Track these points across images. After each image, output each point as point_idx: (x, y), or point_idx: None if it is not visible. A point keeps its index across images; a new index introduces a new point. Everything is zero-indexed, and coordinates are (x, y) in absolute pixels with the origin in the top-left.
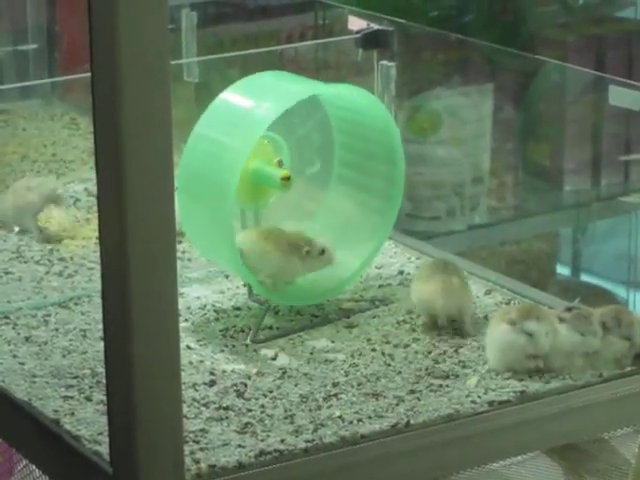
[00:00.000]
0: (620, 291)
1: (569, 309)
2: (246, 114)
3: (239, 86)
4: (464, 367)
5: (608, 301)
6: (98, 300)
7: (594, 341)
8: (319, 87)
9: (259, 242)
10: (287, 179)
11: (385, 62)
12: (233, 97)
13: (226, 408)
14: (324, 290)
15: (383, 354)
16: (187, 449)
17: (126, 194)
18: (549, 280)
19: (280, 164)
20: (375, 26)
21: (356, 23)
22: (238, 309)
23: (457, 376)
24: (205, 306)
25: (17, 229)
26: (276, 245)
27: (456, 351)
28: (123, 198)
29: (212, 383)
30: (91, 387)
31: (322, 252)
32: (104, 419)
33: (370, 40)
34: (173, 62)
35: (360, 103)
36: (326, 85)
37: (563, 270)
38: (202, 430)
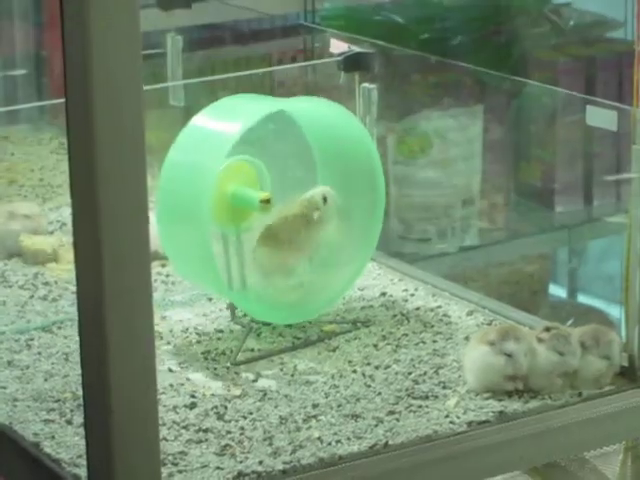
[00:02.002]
0: (613, 311)
1: (547, 329)
2: (214, 134)
3: (209, 109)
4: (444, 388)
5: (600, 321)
6: None
7: (573, 361)
8: (284, 103)
9: (272, 253)
10: (267, 201)
11: (366, 85)
12: (203, 120)
13: (206, 430)
14: (306, 311)
15: (364, 375)
16: (165, 471)
17: (101, 219)
18: (540, 301)
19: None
20: (356, 49)
21: (338, 46)
22: (220, 331)
23: (437, 397)
24: (187, 329)
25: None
26: (290, 240)
27: (436, 372)
28: (98, 224)
29: (192, 405)
30: (72, 410)
31: (325, 200)
32: (84, 442)
33: (351, 63)
34: (159, 86)
35: (333, 117)
36: (291, 100)
37: (555, 290)
38: (181, 452)
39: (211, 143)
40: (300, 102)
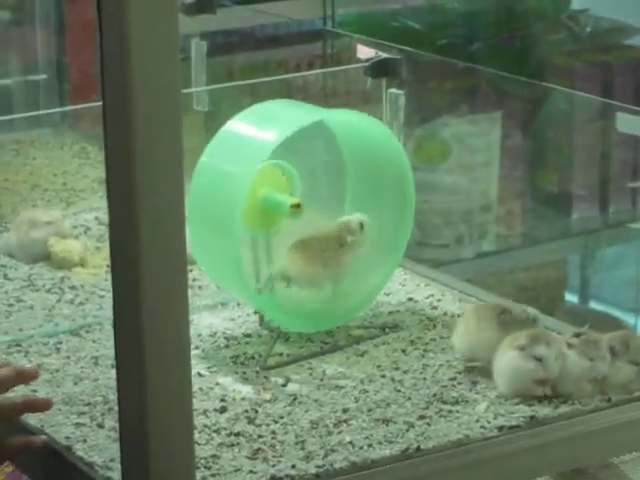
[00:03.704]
0: (629, 318)
1: (577, 335)
2: (250, 141)
3: (244, 115)
4: (475, 393)
5: (616, 328)
6: (109, 328)
7: (602, 366)
8: (324, 113)
9: (300, 265)
10: (297, 206)
11: (394, 90)
12: (238, 125)
13: (237, 434)
14: (334, 317)
15: (393, 380)
16: (199, 475)
17: (138, 223)
18: (557, 307)
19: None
20: (383, 54)
21: (364, 51)
22: (249, 336)
23: (467, 402)
24: (216, 333)
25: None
26: (319, 256)
27: (465, 377)
28: (135, 226)
29: (223, 409)
30: (103, 414)
31: (362, 226)
32: (116, 445)
33: (378, 68)
34: (183, 91)
35: (369, 130)
36: (331, 111)
37: (571, 297)
38: (213, 456)
39: (247, 150)
40: (338, 113)
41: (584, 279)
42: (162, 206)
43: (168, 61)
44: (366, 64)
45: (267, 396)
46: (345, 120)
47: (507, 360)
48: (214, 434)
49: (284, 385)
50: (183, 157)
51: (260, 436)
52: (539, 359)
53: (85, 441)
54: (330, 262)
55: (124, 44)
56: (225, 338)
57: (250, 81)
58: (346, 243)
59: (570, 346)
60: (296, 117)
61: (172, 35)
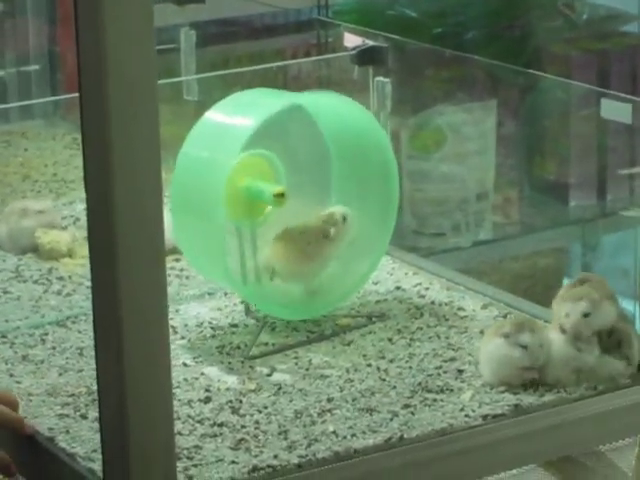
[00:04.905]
0: (627, 305)
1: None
2: (228, 128)
3: (222, 104)
4: (459, 381)
5: None
6: None
7: (589, 357)
8: (301, 97)
9: (284, 256)
10: (281, 195)
11: (380, 78)
12: (216, 114)
13: (220, 424)
14: (321, 305)
15: (378, 369)
16: (180, 465)
17: (115, 212)
18: (554, 295)
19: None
20: (370, 42)
21: (351, 40)
22: (235, 326)
23: (452, 390)
24: (202, 323)
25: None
26: (303, 249)
27: (450, 365)
28: (112, 218)
29: (207, 400)
30: (87, 405)
31: (344, 219)
32: (99, 436)
33: (365, 56)
34: (173, 80)
35: (348, 112)
36: (308, 94)
37: None
38: (196, 446)
39: (225, 137)
40: (313, 96)
41: (581, 267)
42: (139, 196)
43: (143, 50)
44: (352, 52)
45: (252, 386)
46: (320, 102)
47: (492, 348)
48: (197, 424)
49: (269, 375)
50: (160, 146)
51: (243, 426)
52: (524, 347)
53: (68, 432)
54: (314, 255)
55: (99, 33)
56: (211, 328)
57: (238, 69)
58: (329, 235)
59: (563, 331)
60: (271, 102)
61: (147, 22)
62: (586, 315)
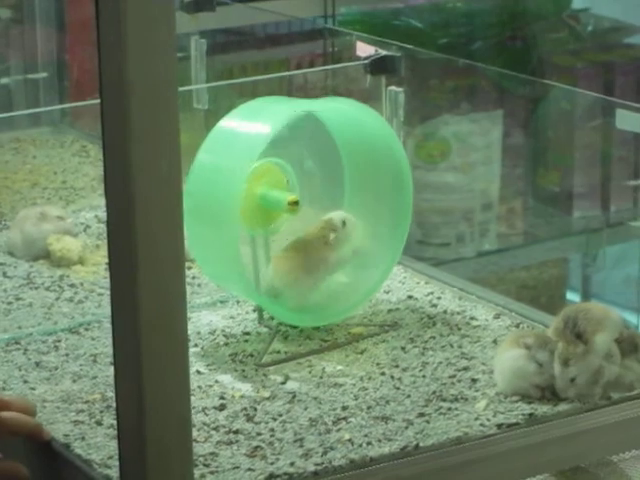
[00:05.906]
0: (631, 317)
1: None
2: (244, 137)
3: (237, 112)
4: (474, 390)
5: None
6: (108, 325)
7: (613, 367)
8: (313, 104)
9: (289, 275)
10: (295, 203)
11: (393, 88)
12: (231, 123)
13: (236, 432)
14: (333, 314)
15: (392, 378)
16: (197, 472)
17: (135, 220)
18: (558, 305)
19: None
20: (383, 52)
21: (364, 49)
22: (247, 334)
23: (466, 399)
24: (215, 331)
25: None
26: (304, 263)
27: (464, 374)
28: (132, 224)
29: (222, 407)
30: (101, 411)
31: (344, 224)
32: (114, 443)
33: (378, 66)
34: (183, 89)
35: (361, 118)
36: (320, 101)
37: (573, 296)
38: (212, 454)
39: (242, 145)
40: (327, 103)
41: (585, 278)
42: (160, 204)
43: (165, 59)
44: (365, 62)
45: (266, 394)
46: (334, 109)
47: (509, 358)
48: (213, 432)
49: (283, 383)
50: (180, 154)
51: (259, 434)
52: (540, 364)
53: (83, 439)
54: (316, 264)
55: (122, 42)
56: (224, 336)
57: (249, 79)
58: (329, 241)
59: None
60: (286, 110)
61: (169, 31)
62: (572, 380)
